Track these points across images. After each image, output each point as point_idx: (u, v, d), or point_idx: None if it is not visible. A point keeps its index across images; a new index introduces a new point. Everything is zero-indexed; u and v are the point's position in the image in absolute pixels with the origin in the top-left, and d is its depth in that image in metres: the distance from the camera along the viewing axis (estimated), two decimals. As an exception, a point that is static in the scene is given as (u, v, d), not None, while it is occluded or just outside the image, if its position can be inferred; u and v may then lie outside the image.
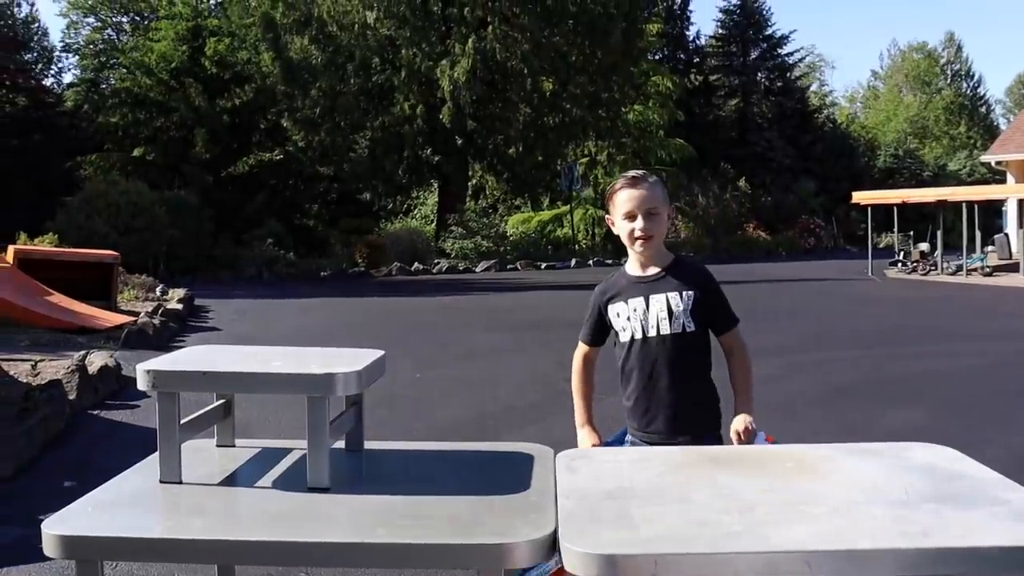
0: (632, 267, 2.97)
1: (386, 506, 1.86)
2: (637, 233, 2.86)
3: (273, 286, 21.38)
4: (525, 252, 29.12)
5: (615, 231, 2.98)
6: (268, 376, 2.00)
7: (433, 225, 32.19)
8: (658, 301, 2.85)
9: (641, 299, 2.88)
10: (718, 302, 2.93)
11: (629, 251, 2.95)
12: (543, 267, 27.63)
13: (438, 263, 27.03)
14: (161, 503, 1.95)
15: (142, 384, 1.99)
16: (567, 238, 31.85)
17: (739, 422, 2.79)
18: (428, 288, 20.67)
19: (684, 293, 2.85)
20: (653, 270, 2.92)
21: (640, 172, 2.97)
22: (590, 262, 28.91)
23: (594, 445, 2.96)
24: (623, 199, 2.88)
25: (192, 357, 2.22)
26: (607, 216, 3.03)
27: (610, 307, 2.95)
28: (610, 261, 29.30)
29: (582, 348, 3.10)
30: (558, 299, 17.46)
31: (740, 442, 2.73)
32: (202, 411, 2.22)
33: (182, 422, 2.06)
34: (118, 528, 1.77)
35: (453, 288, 20.64)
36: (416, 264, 26.42)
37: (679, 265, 2.95)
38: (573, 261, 28.71)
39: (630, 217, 2.87)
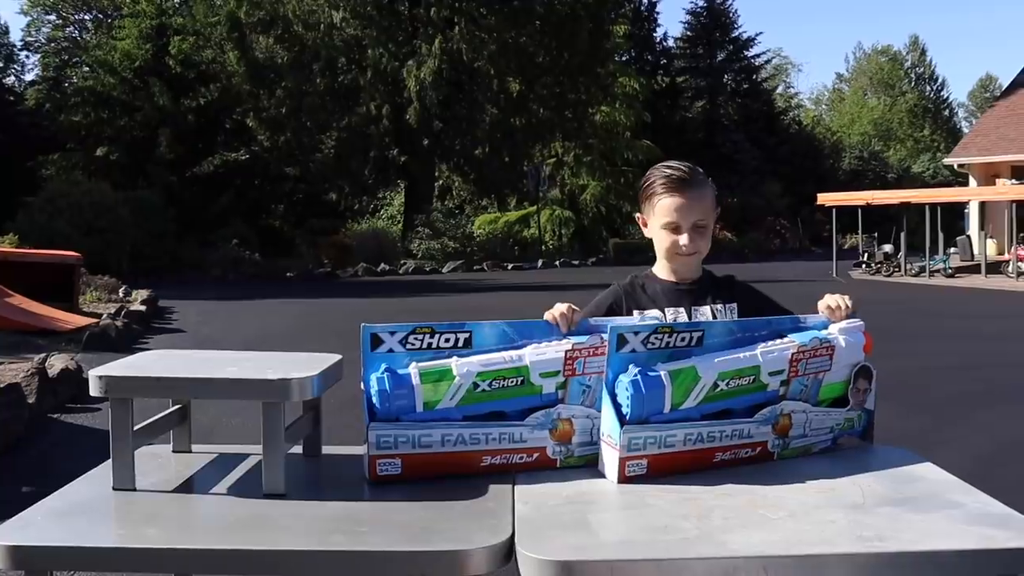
0: (663, 272, 2.54)
1: (342, 512, 1.84)
2: (681, 251, 2.43)
3: (238, 287, 21.23)
4: (492, 253, 29.13)
5: (646, 233, 2.53)
6: (223, 381, 1.98)
7: (400, 226, 32.08)
8: (703, 314, 2.45)
9: (682, 309, 2.45)
10: (763, 300, 2.57)
11: (660, 259, 2.53)
12: (510, 268, 27.67)
13: (404, 264, 26.98)
14: (114, 511, 1.91)
15: (94, 390, 1.97)
16: (534, 239, 31.87)
17: (834, 298, 2.28)
18: (394, 289, 20.61)
19: (727, 305, 2.48)
20: (690, 277, 2.53)
21: (686, 170, 2.43)
22: (556, 263, 29.00)
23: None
24: (666, 207, 2.41)
25: (146, 362, 2.19)
26: (638, 215, 2.56)
27: (637, 313, 2.41)
28: (576, 262, 29.39)
29: None
30: (524, 300, 17.44)
31: (832, 315, 2.25)
32: (157, 416, 2.19)
33: (136, 428, 2.03)
34: (69, 537, 1.74)
35: (419, 289, 20.59)
36: (382, 265, 26.37)
37: (712, 276, 2.58)
38: (540, 262, 28.78)
39: (673, 229, 2.43)
